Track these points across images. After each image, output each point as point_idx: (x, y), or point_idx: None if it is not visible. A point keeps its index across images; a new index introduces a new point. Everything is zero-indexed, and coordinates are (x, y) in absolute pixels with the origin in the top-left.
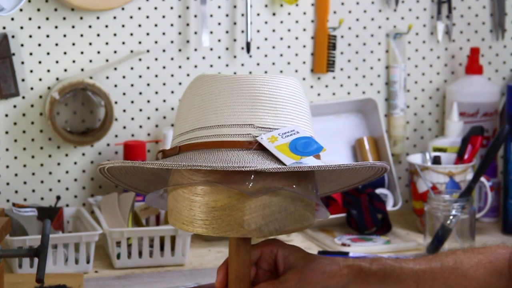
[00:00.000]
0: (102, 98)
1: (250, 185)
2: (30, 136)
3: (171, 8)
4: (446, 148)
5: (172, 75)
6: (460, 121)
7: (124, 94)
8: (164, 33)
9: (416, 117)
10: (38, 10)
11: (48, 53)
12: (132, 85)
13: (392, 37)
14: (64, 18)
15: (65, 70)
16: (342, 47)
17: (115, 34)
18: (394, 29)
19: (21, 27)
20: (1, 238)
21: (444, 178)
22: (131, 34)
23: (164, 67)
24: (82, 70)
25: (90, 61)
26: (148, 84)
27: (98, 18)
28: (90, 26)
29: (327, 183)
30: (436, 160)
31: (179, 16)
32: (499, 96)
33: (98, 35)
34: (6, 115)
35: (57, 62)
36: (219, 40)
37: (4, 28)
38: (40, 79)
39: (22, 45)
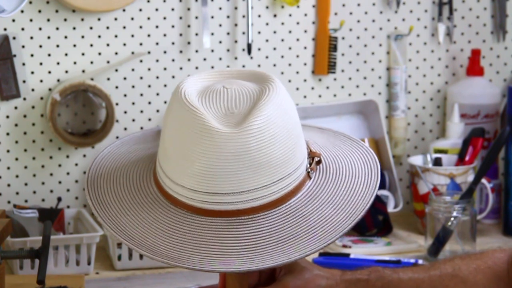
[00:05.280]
0: (103, 99)
1: None
2: (31, 137)
3: (172, 9)
4: (447, 149)
5: (173, 77)
6: (461, 122)
7: (125, 95)
8: (165, 35)
9: (417, 118)
10: (39, 11)
11: (49, 55)
12: (133, 86)
13: (393, 39)
14: (65, 20)
15: (66, 72)
16: (343, 48)
17: (116, 36)
18: (395, 31)
19: (22, 29)
20: (2, 239)
21: (445, 180)
22: (132, 36)
23: (165, 69)
24: (83, 71)
25: (91, 62)
26: (149, 86)
27: (99, 19)
28: (91, 28)
29: None
30: (437, 162)
31: (180, 18)
32: (500, 97)
33: (99, 36)
34: (7, 117)
35: (58, 63)
36: (220, 42)
37: (5, 29)
38: (41, 81)
39: (23, 46)
